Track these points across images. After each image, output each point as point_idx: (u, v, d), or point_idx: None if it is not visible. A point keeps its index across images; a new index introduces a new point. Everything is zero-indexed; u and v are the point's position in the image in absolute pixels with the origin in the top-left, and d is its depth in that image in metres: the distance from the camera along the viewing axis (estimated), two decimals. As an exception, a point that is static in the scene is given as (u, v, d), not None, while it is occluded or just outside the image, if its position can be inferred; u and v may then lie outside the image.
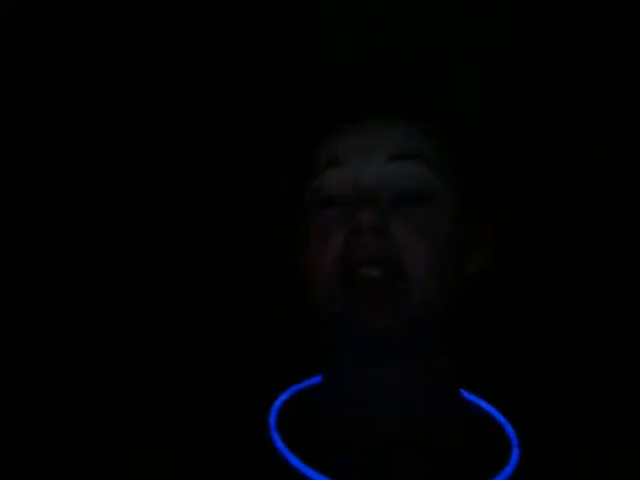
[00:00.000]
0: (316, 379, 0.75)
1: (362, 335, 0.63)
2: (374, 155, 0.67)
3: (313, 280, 0.66)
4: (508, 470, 0.65)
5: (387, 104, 0.71)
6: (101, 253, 1.12)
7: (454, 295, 0.68)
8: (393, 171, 0.66)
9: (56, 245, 1.10)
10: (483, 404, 0.73)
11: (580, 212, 1.11)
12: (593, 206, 1.10)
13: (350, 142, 0.68)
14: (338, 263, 0.64)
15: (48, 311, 1.10)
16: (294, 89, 1.08)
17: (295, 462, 0.65)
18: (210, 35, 1.12)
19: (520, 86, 1.10)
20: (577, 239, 1.10)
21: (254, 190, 1.13)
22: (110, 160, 1.12)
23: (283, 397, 0.73)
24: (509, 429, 0.70)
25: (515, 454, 0.67)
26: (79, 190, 1.12)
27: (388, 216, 0.65)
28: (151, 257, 1.15)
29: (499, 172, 1.04)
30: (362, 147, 0.68)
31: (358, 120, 0.70)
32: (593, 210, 1.10)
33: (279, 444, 0.67)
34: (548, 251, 1.10)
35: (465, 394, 0.74)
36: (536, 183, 1.10)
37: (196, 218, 1.15)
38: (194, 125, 1.14)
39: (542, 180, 1.10)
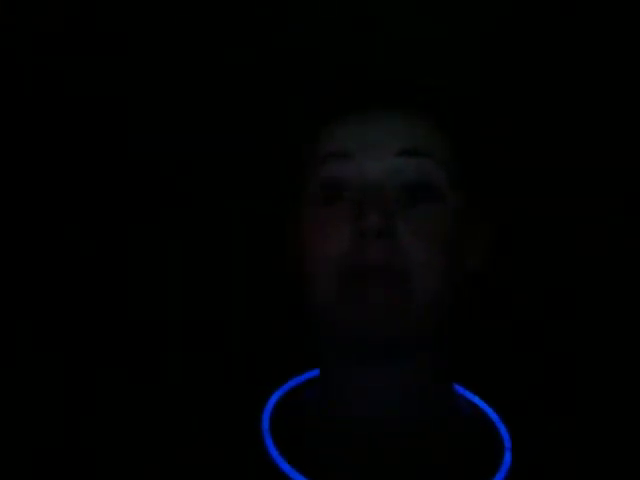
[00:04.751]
0: (312, 373, 0.75)
1: (362, 336, 0.62)
2: (381, 150, 0.65)
3: (313, 281, 0.65)
4: (500, 474, 0.65)
5: (392, 97, 0.69)
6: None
7: (453, 295, 0.67)
8: (401, 167, 0.65)
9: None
10: (477, 401, 0.73)
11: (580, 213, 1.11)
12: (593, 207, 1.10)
13: (356, 135, 0.66)
14: (342, 264, 0.63)
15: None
16: (294, 79, 1.07)
17: (286, 468, 0.65)
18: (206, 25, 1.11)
19: (522, 79, 1.09)
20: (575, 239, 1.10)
21: (248, 186, 1.12)
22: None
23: (278, 394, 0.73)
24: (502, 429, 0.70)
25: (508, 457, 0.67)
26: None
27: (394, 214, 0.63)
28: (148, 258, 1.14)
29: (501, 170, 1.04)
30: (369, 141, 0.66)
31: (362, 112, 0.68)
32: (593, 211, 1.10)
33: (271, 448, 0.67)
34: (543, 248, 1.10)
35: (460, 390, 0.74)
36: (538, 182, 1.10)
37: (193, 220, 1.15)
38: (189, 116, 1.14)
39: (544, 179, 1.10)
